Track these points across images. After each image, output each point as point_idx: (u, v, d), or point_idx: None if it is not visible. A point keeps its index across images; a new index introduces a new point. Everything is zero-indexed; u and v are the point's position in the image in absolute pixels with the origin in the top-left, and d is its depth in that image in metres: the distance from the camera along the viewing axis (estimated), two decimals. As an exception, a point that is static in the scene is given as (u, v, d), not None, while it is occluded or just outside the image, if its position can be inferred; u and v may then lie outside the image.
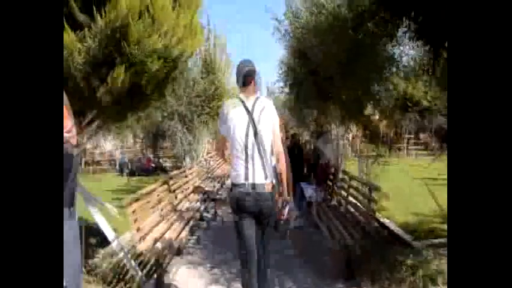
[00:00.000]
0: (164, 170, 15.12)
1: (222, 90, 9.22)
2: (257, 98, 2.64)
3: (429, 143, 20.34)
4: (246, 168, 2.53)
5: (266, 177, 2.53)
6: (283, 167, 2.66)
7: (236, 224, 2.62)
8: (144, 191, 4.55)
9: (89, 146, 23.48)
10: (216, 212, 6.66)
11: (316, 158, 6.20)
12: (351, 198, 4.94)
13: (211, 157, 11.72)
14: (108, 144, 20.94)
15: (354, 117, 6.29)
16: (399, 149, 17.83)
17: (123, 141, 20.75)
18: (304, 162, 7.36)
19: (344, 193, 5.12)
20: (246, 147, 2.54)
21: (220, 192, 9.07)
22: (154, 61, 3.31)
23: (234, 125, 2.58)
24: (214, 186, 7.62)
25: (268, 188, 2.53)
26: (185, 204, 5.95)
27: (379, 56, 5.09)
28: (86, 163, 19.47)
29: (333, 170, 5.71)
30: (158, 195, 4.84)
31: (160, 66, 3.38)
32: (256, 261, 2.59)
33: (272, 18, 5.80)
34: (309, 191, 5.61)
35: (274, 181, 2.57)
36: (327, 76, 5.63)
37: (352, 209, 4.80)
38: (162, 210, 4.85)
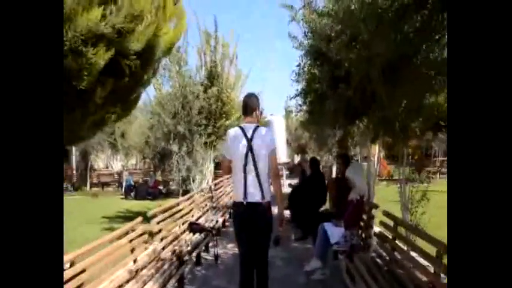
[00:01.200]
0: (173, 194, 13.91)
1: (230, 108, 8.06)
2: (257, 127, 2.98)
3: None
4: (244, 189, 2.90)
5: (262, 198, 2.93)
6: (276, 188, 3.10)
7: (236, 238, 3.10)
8: (109, 236, 3.32)
9: (100, 165, 22.99)
10: (217, 255, 5.33)
11: (342, 191, 4.81)
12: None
13: (218, 183, 10.46)
14: (117, 164, 20.09)
15: (396, 136, 4.95)
16: (432, 173, 16.13)
17: (129, 161, 19.88)
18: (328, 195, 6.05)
19: (387, 245, 3.70)
20: (244, 170, 2.89)
21: (227, 224, 7.73)
22: (100, 52, 2.11)
23: (235, 150, 2.97)
24: (216, 221, 6.29)
25: (263, 207, 2.94)
26: (174, 246, 4.66)
27: (431, 60, 3.80)
28: (92, 184, 18.59)
29: (367, 207, 4.35)
30: (131, 242, 3.57)
31: (107, 60, 2.18)
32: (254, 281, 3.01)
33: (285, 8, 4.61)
34: (336, 235, 4.24)
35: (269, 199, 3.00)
36: (360, 86, 4.39)
37: (401, 265, 3.36)
38: (135, 262, 3.58)
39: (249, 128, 2.95)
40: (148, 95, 7.99)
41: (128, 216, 10.04)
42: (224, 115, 7.86)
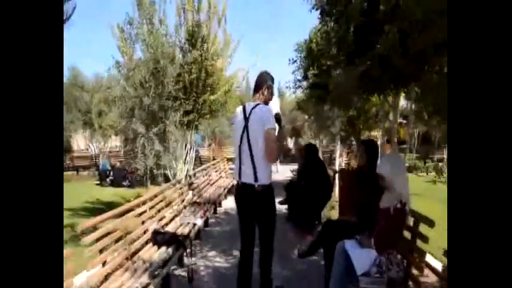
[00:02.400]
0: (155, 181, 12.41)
1: (217, 79, 6.48)
2: (256, 105, 2.83)
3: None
4: (240, 169, 2.89)
5: (255, 180, 2.81)
6: (270, 153, 2.77)
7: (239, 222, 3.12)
8: None
9: (81, 146, 21.27)
10: (191, 273, 3.91)
11: (367, 193, 3.36)
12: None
13: (203, 170, 8.93)
14: (95, 147, 18.41)
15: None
16: (439, 161, 14.88)
17: (110, 142, 18.22)
18: (345, 197, 4.63)
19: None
20: (240, 150, 2.87)
21: (211, 221, 6.28)
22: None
23: (235, 130, 3.00)
24: (193, 225, 4.82)
25: (257, 190, 2.81)
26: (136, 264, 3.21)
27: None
28: (67, 168, 16.93)
29: (410, 220, 2.96)
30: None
31: None
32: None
33: None
34: (363, 261, 2.83)
35: (270, 182, 2.86)
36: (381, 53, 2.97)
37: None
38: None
39: (250, 106, 2.86)
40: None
41: (98, 209, 8.57)
42: (209, 88, 6.27)
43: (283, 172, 14.11)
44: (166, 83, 4.86)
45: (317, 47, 7.32)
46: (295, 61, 8.01)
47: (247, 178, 2.82)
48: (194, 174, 6.92)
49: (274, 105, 10.88)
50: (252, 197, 2.84)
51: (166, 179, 6.78)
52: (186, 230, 4.53)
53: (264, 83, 2.94)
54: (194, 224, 4.73)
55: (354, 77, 4.30)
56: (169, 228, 4.51)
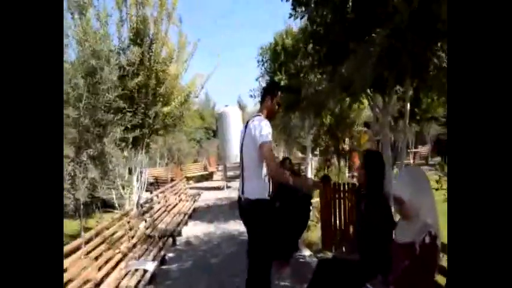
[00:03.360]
0: (109, 206, 10.88)
1: (171, 88, 5.44)
2: (254, 117, 2.79)
3: (427, 156, 17.57)
4: (240, 182, 2.89)
5: (242, 193, 2.81)
6: (270, 174, 2.69)
7: None
8: None
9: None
10: None
11: (378, 226, 2.46)
12: None
13: (160, 194, 7.73)
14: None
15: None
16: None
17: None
18: (327, 221, 3.74)
19: None
20: (240, 163, 2.90)
21: (164, 268, 5.10)
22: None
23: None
24: (142, 272, 3.67)
25: (242, 204, 2.81)
26: None
27: None
28: None
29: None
30: None
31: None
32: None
33: None
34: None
35: (261, 198, 2.69)
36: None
37: None
38: None
39: (250, 120, 2.80)
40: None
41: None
42: (160, 98, 5.22)
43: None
44: (103, 90, 3.76)
45: (284, 49, 6.61)
46: (264, 63, 7.20)
47: (243, 191, 2.81)
48: (147, 202, 5.78)
49: (236, 117, 9.98)
50: (240, 210, 2.89)
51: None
52: (133, 282, 3.41)
53: (266, 93, 2.85)
54: (145, 271, 3.63)
55: (339, 77, 3.56)
56: (110, 281, 3.39)
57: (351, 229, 4.07)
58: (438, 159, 16.12)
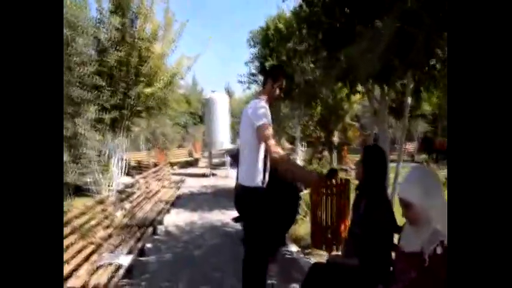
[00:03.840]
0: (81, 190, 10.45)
1: (155, 68, 5.06)
2: (252, 101, 2.75)
3: (413, 152, 17.65)
4: (237, 169, 2.86)
5: (237, 178, 2.79)
6: (271, 158, 2.56)
7: None
8: None
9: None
10: None
11: (379, 230, 2.21)
12: None
13: (144, 178, 7.36)
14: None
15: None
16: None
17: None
18: (317, 217, 3.45)
19: None
20: (239, 148, 2.84)
21: (143, 260, 4.79)
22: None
23: None
24: (115, 267, 3.37)
25: (237, 189, 2.78)
26: None
27: None
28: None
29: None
30: None
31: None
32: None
33: None
34: None
35: (252, 185, 2.61)
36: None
37: None
38: None
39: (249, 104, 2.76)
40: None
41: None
42: (143, 78, 4.84)
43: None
44: (76, 64, 3.35)
45: (278, 32, 6.27)
46: (254, 46, 6.84)
47: (239, 177, 2.75)
48: (126, 188, 5.45)
49: (223, 104, 9.63)
50: (235, 197, 2.84)
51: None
52: (105, 277, 3.12)
53: (268, 76, 2.75)
54: (118, 265, 3.34)
55: (340, 64, 3.28)
56: (80, 274, 3.09)
57: (342, 227, 3.85)
58: (424, 156, 16.19)
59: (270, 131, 2.51)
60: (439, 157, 16.34)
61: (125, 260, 3.37)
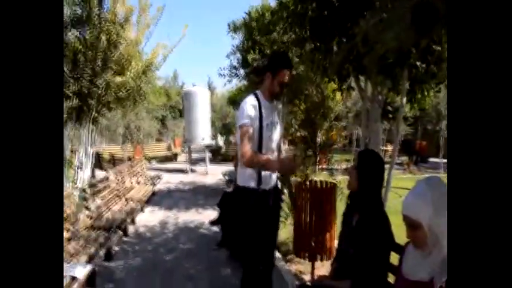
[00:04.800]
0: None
1: (126, 55, 4.58)
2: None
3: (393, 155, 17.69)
4: None
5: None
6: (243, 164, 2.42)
7: None
8: None
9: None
10: None
11: (375, 250, 1.88)
12: None
13: (115, 175, 6.85)
14: None
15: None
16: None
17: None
18: (303, 227, 3.09)
19: None
20: None
21: (110, 266, 4.32)
22: None
23: None
24: (70, 279, 2.92)
25: (234, 190, 2.80)
26: None
27: None
28: None
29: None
30: None
31: None
32: None
33: None
34: None
35: (242, 185, 2.49)
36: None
37: None
38: None
39: None
40: None
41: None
42: (114, 66, 4.36)
43: (216, 173, 12.52)
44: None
45: (260, 25, 5.90)
46: (236, 28, 6.41)
47: None
48: (94, 185, 4.97)
49: (204, 98, 9.14)
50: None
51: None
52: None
53: (266, 68, 2.45)
54: (73, 278, 2.90)
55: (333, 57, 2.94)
56: None
57: (327, 236, 3.55)
58: (404, 158, 16.22)
59: (247, 133, 2.32)
60: (419, 159, 16.43)
61: (81, 272, 2.94)
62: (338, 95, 6.52)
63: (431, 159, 16.82)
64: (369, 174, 2.04)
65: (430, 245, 1.53)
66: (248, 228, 2.48)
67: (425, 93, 3.21)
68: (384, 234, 1.92)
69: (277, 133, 2.54)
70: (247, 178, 2.44)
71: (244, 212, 2.48)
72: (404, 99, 3.07)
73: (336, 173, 4.44)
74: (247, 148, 2.31)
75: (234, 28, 6.66)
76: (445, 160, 16.12)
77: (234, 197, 2.60)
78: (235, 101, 14.02)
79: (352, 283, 1.93)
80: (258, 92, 2.46)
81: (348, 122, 10.19)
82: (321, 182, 3.88)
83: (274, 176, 2.57)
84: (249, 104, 2.36)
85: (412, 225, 1.55)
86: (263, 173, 2.44)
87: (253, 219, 2.44)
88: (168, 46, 5.22)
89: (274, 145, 2.54)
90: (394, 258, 1.95)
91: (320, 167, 5.80)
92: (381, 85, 3.04)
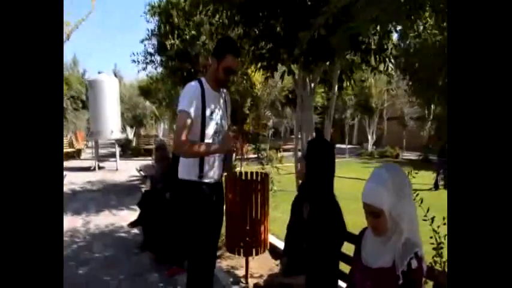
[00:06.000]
0: None
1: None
2: None
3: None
4: None
5: None
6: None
7: None
8: None
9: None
10: None
11: (328, 240, 1.81)
12: None
13: None
14: None
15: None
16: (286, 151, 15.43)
17: None
18: (236, 222, 2.84)
19: None
20: None
21: None
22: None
23: None
24: None
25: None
26: None
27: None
28: None
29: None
30: None
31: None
32: None
33: None
34: None
35: (183, 177, 2.35)
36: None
37: None
38: None
39: None
40: None
41: None
42: None
43: (127, 169, 11.55)
44: None
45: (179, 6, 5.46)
46: (155, 12, 5.84)
47: None
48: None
49: (113, 87, 8.21)
50: None
51: None
52: None
53: (213, 54, 2.29)
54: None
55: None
56: None
57: (262, 228, 3.45)
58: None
59: (183, 120, 2.16)
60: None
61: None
62: (258, 83, 6.49)
63: (338, 146, 18.29)
64: (318, 164, 1.96)
65: (390, 231, 1.51)
66: (188, 224, 2.36)
67: (353, 83, 3.30)
68: (337, 225, 1.87)
69: (222, 123, 2.36)
70: (187, 170, 2.31)
71: (183, 207, 2.36)
72: (336, 88, 3.11)
73: (265, 163, 4.36)
74: (180, 135, 2.16)
75: (153, 12, 6.08)
76: (350, 146, 17.69)
77: (179, 190, 2.40)
78: (148, 91, 13.10)
79: (307, 278, 1.83)
80: (203, 79, 2.31)
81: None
82: (251, 173, 3.76)
83: (218, 170, 2.40)
84: (191, 90, 2.22)
85: (373, 213, 1.51)
86: (205, 165, 2.28)
87: (193, 214, 2.33)
88: (71, 23, 4.46)
89: (219, 136, 2.33)
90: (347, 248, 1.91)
91: (245, 157, 5.70)
92: (314, 73, 3.02)
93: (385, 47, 2.86)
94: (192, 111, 2.15)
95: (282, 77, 3.24)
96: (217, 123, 2.30)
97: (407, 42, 2.88)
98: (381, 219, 1.50)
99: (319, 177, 1.95)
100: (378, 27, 2.49)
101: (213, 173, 2.33)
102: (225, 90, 2.49)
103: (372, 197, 1.50)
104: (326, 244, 1.81)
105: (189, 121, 2.15)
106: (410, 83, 3.00)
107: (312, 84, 3.10)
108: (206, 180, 2.29)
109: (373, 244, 1.60)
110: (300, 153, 3.38)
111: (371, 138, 18.34)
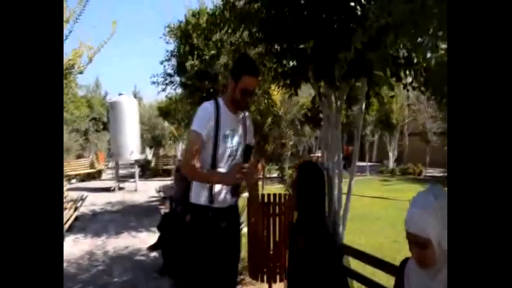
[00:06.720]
0: None
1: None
2: None
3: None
4: None
5: None
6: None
7: None
8: None
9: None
10: None
11: (336, 276, 1.65)
12: None
13: None
14: None
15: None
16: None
17: None
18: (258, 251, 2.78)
19: None
20: None
21: None
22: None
23: None
24: None
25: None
26: None
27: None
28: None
29: None
30: None
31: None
32: None
33: None
34: None
35: (192, 201, 2.25)
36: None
37: None
38: None
39: None
40: None
41: None
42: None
43: (147, 190, 11.57)
44: None
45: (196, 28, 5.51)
46: (174, 33, 5.91)
47: None
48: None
49: (132, 108, 8.29)
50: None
51: None
52: None
53: (231, 74, 2.18)
54: None
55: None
56: None
57: (285, 254, 3.28)
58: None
59: (194, 140, 2.08)
60: (346, 164, 17.38)
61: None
62: (278, 101, 6.43)
63: (358, 163, 17.89)
64: (309, 191, 1.83)
65: (439, 263, 1.32)
66: (196, 252, 2.23)
67: (381, 99, 3.15)
68: (335, 257, 1.71)
69: (238, 147, 2.22)
70: (197, 193, 2.19)
71: (193, 233, 2.25)
72: (364, 105, 2.96)
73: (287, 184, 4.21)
74: (186, 157, 2.13)
75: (172, 33, 6.16)
76: (370, 163, 17.27)
77: (178, 217, 2.28)
78: (167, 112, 13.25)
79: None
80: (220, 99, 2.20)
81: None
82: (274, 195, 3.61)
83: (231, 193, 2.23)
84: (205, 110, 2.14)
85: (419, 243, 1.33)
86: (216, 188, 2.13)
87: (202, 241, 2.19)
88: (94, 47, 4.54)
89: (233, 160, 2.21)
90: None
91: (268, 176, 5.57)
92: (340, 90, 2.89)
93: (414, 60, 2.71)
94: (203, 131, 2.06)
95: (313, 101, 3.11)
96: (232, 146, 2.17)
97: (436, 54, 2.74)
98: (428, 250, 1.32)
99: (311, 206, 1.81)
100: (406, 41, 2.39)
101: (224, 196, 2.17)
102: (247, 114, 2.37)
103: (416, 226, 1.33)
104: (328, 279, 1.65)
105: (198, 142, 2.06)
106: (433, 97, 2.85)
107: (339, 102, 2.96)
108: (216, 206, 2.14)
109: (419, 278, 1.42)
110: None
111: (392, 155, 17.86)
